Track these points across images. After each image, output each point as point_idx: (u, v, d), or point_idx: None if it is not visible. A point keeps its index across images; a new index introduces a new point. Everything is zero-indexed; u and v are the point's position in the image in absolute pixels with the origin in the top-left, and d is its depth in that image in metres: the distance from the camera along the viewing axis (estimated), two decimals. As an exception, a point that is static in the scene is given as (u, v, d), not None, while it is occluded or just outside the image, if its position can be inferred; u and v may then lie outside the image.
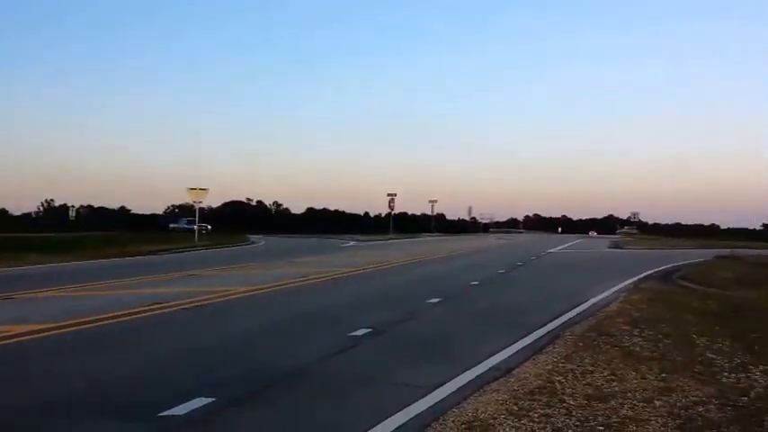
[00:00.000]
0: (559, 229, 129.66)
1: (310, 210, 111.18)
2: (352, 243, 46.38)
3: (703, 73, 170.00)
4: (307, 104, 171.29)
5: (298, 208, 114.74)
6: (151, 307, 11.10)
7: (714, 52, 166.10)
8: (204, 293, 13.09)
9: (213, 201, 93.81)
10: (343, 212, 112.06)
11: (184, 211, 76.77)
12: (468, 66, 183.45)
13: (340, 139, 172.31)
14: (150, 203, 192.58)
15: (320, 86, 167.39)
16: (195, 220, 45.44)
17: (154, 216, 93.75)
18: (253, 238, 53.34)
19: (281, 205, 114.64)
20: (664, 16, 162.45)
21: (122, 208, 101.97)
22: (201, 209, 47.97)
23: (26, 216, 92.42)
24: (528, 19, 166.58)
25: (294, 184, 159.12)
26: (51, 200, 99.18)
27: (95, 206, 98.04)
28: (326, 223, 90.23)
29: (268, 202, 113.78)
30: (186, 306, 11.42)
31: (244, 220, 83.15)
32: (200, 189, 43.85)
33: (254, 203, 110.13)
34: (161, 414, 5.41)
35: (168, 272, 18.73)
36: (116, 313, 10.31)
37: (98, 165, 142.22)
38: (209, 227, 59.86)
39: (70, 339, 8.55)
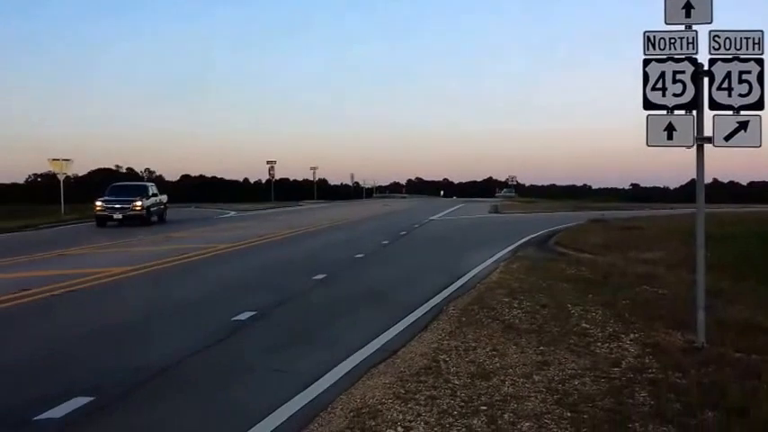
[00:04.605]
0: (441, 192, 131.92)
1: (185, 177, 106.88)
2: (232, 213, 45.17)
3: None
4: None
5: (172, 175, 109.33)
6: (19, 294, 10.55)
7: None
8: (78, 276, 12.53)
9: (79, 169, 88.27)
10: (222, 179, 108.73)
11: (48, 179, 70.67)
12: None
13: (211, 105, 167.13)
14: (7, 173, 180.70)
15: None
16: None
17: (15, 186, 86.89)
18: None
19: (153, 172, 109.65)
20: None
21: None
22: (68, 178, 45.33)
23: None
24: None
25: (168, 150, 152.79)
26: None
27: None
28: (203, 191, 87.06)
29: (139, 169, 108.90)
30: (57, 292, 10.91)
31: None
32: (64, 160, 41.24)
33: (123, 170, 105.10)
34: (36, 418, 5.22)
35: (37, 252, 17.72)
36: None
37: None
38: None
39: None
